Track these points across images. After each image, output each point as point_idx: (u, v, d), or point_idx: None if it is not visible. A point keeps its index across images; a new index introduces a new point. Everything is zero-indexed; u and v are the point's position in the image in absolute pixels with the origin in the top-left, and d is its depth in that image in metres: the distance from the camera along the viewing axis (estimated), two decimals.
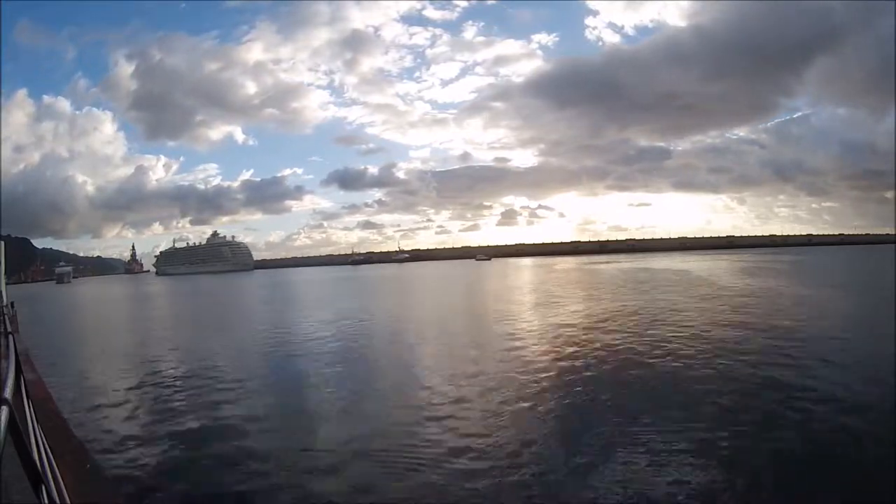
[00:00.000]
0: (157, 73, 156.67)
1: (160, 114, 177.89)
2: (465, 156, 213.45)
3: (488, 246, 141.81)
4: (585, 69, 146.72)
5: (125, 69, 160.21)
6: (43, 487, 1.79)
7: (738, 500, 5.34)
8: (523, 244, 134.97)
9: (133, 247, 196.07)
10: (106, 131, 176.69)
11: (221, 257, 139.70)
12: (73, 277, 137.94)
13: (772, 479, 5.67)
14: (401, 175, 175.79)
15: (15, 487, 1.61)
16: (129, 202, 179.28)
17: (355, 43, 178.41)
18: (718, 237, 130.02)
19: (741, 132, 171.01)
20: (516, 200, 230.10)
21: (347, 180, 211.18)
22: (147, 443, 7.59)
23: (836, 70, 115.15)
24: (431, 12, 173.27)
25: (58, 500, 1.98)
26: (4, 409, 1.60)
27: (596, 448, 6.59)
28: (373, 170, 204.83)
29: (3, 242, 11.96)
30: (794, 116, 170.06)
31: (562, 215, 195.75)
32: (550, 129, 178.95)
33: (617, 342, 13.30)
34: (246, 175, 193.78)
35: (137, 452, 7.18)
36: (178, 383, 11.30)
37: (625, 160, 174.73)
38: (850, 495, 5.36)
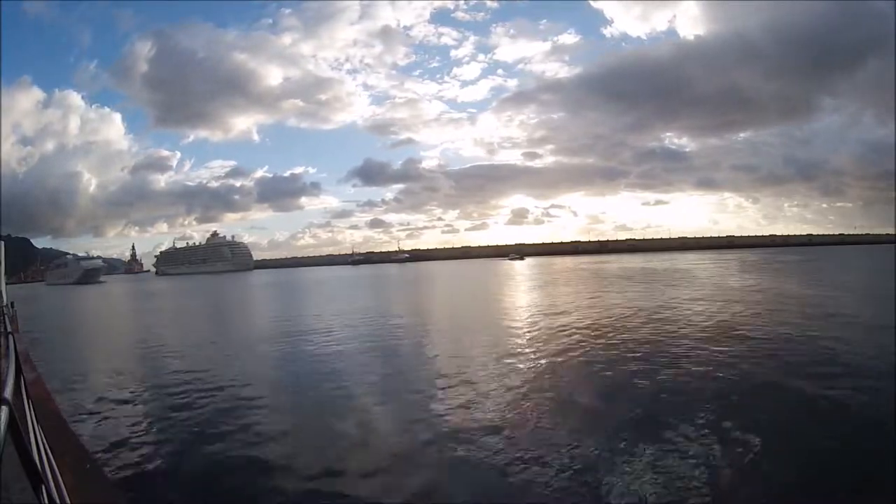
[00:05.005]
0: (173, 56, 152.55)
1: (173, 98, 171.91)
2: (491, 151, 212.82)
3: (488, 246, 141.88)
4: (649, 62, 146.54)
5: (140, 50, 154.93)
6: (43, 487, 1.79)
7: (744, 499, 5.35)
8: (524, 244, 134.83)
9: (133, 246, 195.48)
10: (114, 126, 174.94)
11: (221, 257, 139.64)
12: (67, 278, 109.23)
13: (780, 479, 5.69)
14: (423, 171, 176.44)
15: (15, 487, 1.61)
16: (133, 199, 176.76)
17: (382, 40, 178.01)
18: (719, 237, 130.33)
19: (780, 130, 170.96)
20: (529, 200, 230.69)
21: (370, 173, 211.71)
22: (148, 442, 7.57)
23: (882, 72, 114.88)
24: (461, 14, 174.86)
25: (58, 500, 1.98)
26: (4, 409, 1.60)
27: (610, 447, 6.60)
28: (395, 165, 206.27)
29: (2, 242, 11.93)
30: (809, 115, 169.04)
31: (575, 214, 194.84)
32: (584, 126, 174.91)
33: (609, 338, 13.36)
34: (260, 172, 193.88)
35: (138, 452, 7.17)
36: (183, 382, 11.26)
37: (651, 157, 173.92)
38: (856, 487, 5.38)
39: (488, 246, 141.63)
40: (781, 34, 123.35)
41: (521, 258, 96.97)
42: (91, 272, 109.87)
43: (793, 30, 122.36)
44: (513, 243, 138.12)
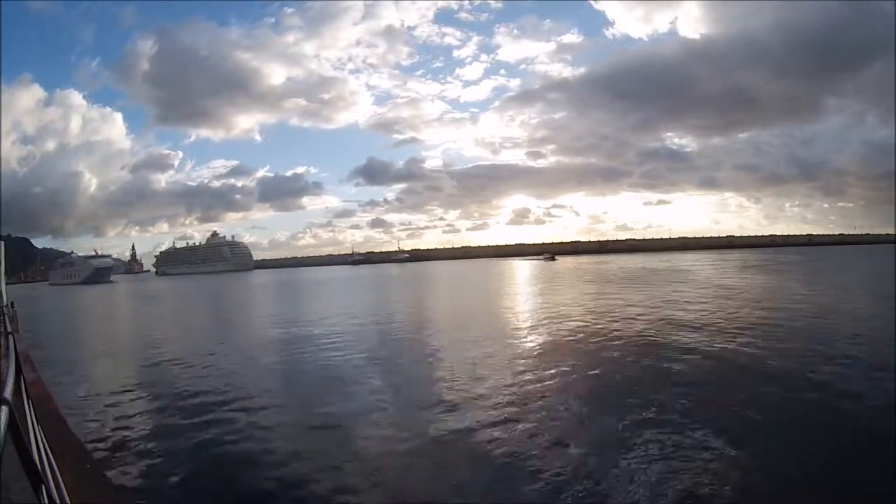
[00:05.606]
0: (175, 54, 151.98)
1: (175, 96, 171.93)
2: (494, 151, 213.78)
3: (489, 246, 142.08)
4: (655, 61, 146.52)
5: (141, 48, 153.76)
6: (43, 487, 1.79)
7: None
8: (523, 244, 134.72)
9: (133, 246, 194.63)
10: (115, 125, 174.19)
11: (221, 257, 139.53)
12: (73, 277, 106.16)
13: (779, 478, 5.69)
14: (426, 170, 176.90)
15: (15, 487, 1.61)
16: (134, 199, 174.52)
17: (385, 40, 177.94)
18: (719, 237, 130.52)
19: (782, 130, 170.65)
20: (530, 200, 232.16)
21: (373, 173, 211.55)
22: (149, 443, 7.57)
23: (886, 72, 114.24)
24: (465, 14, 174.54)
25: (58, 500, 1.98)
26: (4, 409, 1.60)
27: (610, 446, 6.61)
28: (398, 164, 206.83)
29: (2, 242, 11.93)
30: (813, 115, 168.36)
31: (576, 214, 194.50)
32: (589, 125, 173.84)
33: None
34: (262, 171, 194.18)
35: (139, 452, 7.16)
36: (185, 382, 11.27)
37: (653, 157, 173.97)
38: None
39: (488, 246, 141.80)
40: (786, 35, 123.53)
41: (553, 258, 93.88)
42: (101, 271, 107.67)
43: (797, 30, 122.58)
44: (513, 243, 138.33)
